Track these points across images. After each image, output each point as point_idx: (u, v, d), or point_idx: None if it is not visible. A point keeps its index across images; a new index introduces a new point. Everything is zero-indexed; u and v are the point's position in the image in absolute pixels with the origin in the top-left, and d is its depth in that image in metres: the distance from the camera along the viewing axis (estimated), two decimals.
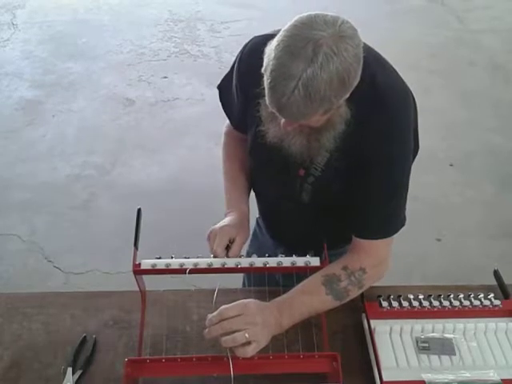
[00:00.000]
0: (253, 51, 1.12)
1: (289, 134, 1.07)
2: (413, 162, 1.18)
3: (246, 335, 1.02)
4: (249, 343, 1.03)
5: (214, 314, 1.05)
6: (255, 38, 1.18)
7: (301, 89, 0.90)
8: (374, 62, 1.08)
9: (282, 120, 1.01)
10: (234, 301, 1.08)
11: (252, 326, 1.04)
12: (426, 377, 1.11)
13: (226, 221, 1.24)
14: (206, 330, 1.06)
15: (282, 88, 0.91)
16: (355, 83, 0.96)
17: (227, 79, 1.27)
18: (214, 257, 1.19)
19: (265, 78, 0.95)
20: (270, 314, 1.08)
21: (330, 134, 1.06)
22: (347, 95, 0.98)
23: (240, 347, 1.03)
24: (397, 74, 1.14)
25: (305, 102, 0.92)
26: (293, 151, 1.10)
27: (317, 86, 0.90)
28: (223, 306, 1.06)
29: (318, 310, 1.16)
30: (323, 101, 0.93)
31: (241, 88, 1.21)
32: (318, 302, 1.14)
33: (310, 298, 1.14)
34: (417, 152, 1.20)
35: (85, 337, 1.21)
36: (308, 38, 0.90)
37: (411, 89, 1.15)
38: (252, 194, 1.38)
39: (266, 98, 0.96)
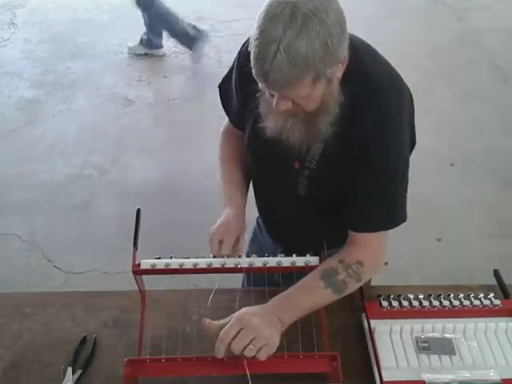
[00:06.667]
0: None
1: (287, 122, 1.07)
2: (409, 155, 1.17)
3: (252, 347, 1.02)
4: (259, 349, 1.03)
5: (216, 344, 1.04)
6: None
7: (282, 52, 0.91)
8: (366, 54, 1.10)
9: (275, 101, 1.01)
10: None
11: (256, 332, 1.03)
12: (425, 377, 1.11)
13: (221, 219, 1.25)
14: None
15: (264, 53, 0.92)
16: (340, 51, 0.96)
17: (227, 77, 1.29)
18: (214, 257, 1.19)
19: (251, 51, 0.96)
20: (268, 313, 1.08)
21: (326, 119, 1.06)
22: (334, 64, 0.97)
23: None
24: (389, 65, 1.14)
25: (288, 65, 0.92)
26: (291, 142, 1.10)
27: (298, 47, 0.90)
28: (221, 331, 1.04)
29: (318, 304, 1.16)
30: (308, 65, 0.93)
31: (240, 83, 1.22)
32: (318, 295, 1.14)
33: (309, 292, 1.14)
34: (413, 145, 1.19)
35: (85, 337, 1.21)
36: (286, 1, 0.92)
37: (412, 88, 1.15)
38: (252, 194, 1.38)
39: (253, 70, 0.97)
